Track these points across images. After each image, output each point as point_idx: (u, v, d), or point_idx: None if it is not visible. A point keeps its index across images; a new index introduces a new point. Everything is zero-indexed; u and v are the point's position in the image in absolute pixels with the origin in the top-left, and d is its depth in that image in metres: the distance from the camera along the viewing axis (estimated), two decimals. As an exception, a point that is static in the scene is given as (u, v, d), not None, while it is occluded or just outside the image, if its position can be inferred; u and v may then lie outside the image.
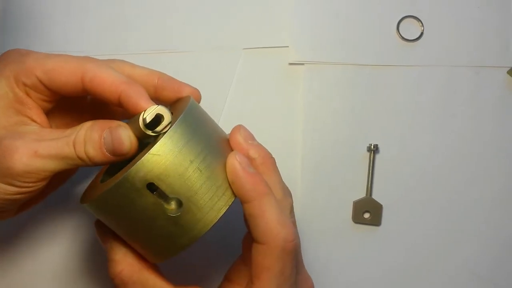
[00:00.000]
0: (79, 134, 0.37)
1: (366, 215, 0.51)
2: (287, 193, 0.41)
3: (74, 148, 0.37)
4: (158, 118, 0.36)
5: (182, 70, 0.52)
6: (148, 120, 0.36)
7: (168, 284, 0.39)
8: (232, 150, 0.40)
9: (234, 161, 0.38)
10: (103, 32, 0.52)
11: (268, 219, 0.37)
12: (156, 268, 0.41)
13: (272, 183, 0.40)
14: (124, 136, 0.37)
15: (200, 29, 0.52)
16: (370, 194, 0.51)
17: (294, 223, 0.41)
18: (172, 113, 0.37)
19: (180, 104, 0.41)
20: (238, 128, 0.41)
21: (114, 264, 0.40)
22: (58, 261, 0.51)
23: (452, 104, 0.52)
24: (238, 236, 0.43)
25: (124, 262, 0.39)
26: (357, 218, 0.51)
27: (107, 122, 0.38)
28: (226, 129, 0.42)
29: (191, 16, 0.53)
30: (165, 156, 0.36)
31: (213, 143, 0.39)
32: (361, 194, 0.51)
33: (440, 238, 0.51)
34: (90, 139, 0.37)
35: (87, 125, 0.38)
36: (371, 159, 0.51)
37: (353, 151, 0.52)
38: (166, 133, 0.36)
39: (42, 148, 0.36)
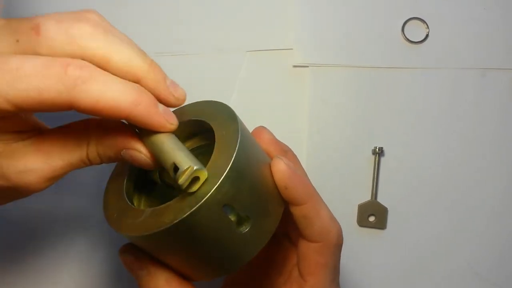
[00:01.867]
0: (90, 155, 0.35)
1: (371, 219, 0.51)
2: None
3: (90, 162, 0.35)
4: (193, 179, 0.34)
5: (186, 72, 0.52)
6: (184, 185, 0.33)
7: None
8: (264, 151, 0.39)
9: (284, 166, 0.36)
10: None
11: (322, 218, 0.37)
12: (195, 287, 0.38)
13: (306, 175, 0.41)
14: (141, 159, 0.35)
15: (205, 31, 0.52)
16: (375, 197, 0.51)
17: None
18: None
19: (211, 108, 0.39)
20: (262, 128, 0.41)
21: None
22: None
23: (457, 106, 0.52)
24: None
25: None
26: (362, 221, 0.51)
27: (123, 141, 0.35)
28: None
29: (195, 19, 0.53)
30: (237, 175, 0.34)
31: (258, 149, 0.38)
32: (366, 197, 0.51)
33: (445, 241, 0.51)
34: (106, 157, 0.35)
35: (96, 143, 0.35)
36: (376, 162, 0.51)
37: (358, 153, 0.52)
38: (236, 151, 0.34)
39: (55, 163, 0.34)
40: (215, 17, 0.53)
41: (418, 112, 0.52)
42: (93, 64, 0.32)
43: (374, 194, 0.51)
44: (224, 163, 0.34)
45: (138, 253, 0.37)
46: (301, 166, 0.42)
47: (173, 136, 0.35)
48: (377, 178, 0.51)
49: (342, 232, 0.39)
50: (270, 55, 0.52)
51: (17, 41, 0.32)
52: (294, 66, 0.52)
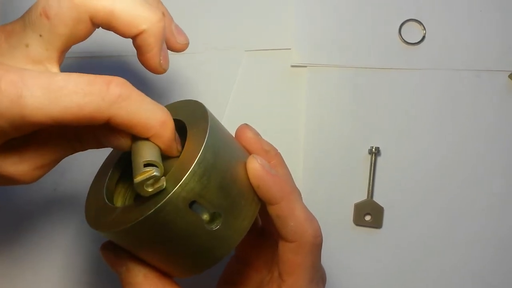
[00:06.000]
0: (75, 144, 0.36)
1: (367, 218, 0.51)
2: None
3: None
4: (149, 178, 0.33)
5: (185, 71, 0.52)
6: (139, 187, 0.33)
7: None
8: (243, 149, 0.39)
9: (257, 165, 0.37)
10: (106, 33, 0.51)
11: (297, 218, 0.37)
12: (175, 283, 0.38)
13: (286, 176, 0.40)
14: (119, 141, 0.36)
15: (203, 31, 0.53)
16: (371, 197, 0.51)
17: None
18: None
19: (187, 107, 0.39)
20: (246, 126, 0.40)
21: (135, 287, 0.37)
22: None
23: (453, 108, 0.52)
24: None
25: (147, 284, 0.37)
26: (358, 220, 0.51)
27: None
28: (229, 131, 0.42)
29: (194, 18, 0.53)
30: (204, 171, 0.34)
31: (232, 147, 0.38)
32: (362, 196, 0.52)
33: (441, 240, 0.51)
34: (88, 144, 0.36)
35: None
36: (373, 161, 0.51)
37: (354, 153, 0.52)
38: (202, 149, 0.34)
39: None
40: (213, 16, 0.53)
41: (414, 113, 0.52)
42: (99, 18, 0.35)
43: (371, 193, 0.51)
44: (190, 160, 0.34)
45: (117, 250, 0.38)
46: (285, 166, 0.41)
47: (154, 145, 0.35)
48: (373, 178, 0.52)
49: (320, 232, 0.38)
50: (268, 54, 0.52)
51: (40, 36, 0.35)
52: (292, 66, 0.52)
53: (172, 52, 0.52)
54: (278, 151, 0.41)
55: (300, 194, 0.40)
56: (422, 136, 0.52)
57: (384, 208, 0.51)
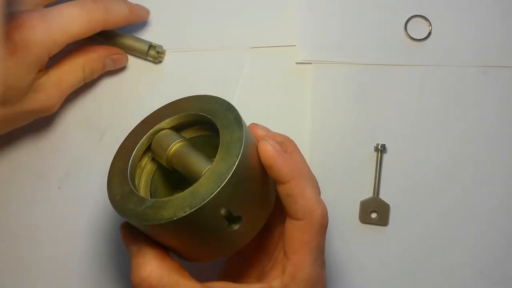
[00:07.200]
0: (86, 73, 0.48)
1: (373, 215, 0.51)
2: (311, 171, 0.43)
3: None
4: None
5: (189, 69, 0.52)
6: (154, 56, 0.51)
7: (196, 283, 0.38)
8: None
9: (269, 146, 0.38)
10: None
11: (306, 197, 0.39)
12: (181, 267, 0.40)
13: (301, 161, 0.42)
14: (124, 60, 0.51)
15: (208, 28, 0.52)
16: (377, 194, 0.51)
17: None
18: None
19: (221, 108, 0.41)
20: (254, 125, 0.42)
21: (141, 266, 0.38)
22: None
23: (459, 104, 0.52)
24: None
25: (153, 264, 0.38)
26: (364, 218, 0.51)
27: (105, 52, 0.49)
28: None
29: (199, 16, 0.53)
30: (237, 181, 0.37)
31: (256, 153, 0.39)
32: (368, 194, 0.51)
33: (448, 238, 0.51)
34: (96, 70, 0.49)
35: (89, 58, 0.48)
36: (378, 159, 0.51)
37: (360, 150, 0.52)
38: (237, 160, 0.36)
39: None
40: (218, 13, 0.53)
41: (420, 109, 0.52)
42: None
43: (376, 190, 0.51)
44: (226, 169, 0.36)
45: (134, 231, 0.40)
46: (300, 152, 0.43)
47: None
48: (379, 175, 0.51)
49: (327, 213, 0.40)
50: (273, 51, 0.52)
51: None
52: (297, 63, 0.52)
53: (177, 51, 0.52)
54: (291, 138, 0.43)
55: (315, 180, 0.42)
56: (428, 133, 0.52)
57: (390, 206, 0.51)
